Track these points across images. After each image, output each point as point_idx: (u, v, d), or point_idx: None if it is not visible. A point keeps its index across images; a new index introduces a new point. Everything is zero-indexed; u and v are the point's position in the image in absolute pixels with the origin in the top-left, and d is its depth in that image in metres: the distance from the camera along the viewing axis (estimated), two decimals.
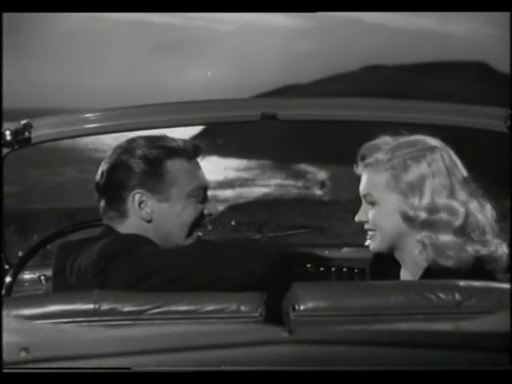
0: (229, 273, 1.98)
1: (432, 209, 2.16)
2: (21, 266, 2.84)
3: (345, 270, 2.99)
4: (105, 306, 1.83)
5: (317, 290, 1.84)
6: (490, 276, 2.18)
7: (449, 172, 2.19)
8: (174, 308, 1.84)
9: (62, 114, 2.70)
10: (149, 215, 2.15)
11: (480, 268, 2.18)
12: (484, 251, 2.17)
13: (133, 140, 2.21)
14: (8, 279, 2.79)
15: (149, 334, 1.56)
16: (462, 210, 2.16)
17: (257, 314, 1.82)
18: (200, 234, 2.22)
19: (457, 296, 1.78)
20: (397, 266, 2.30)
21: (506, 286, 1.86)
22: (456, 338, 1.52)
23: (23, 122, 2.57)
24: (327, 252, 3.03)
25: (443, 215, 2.15)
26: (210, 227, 2.33)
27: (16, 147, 2.57)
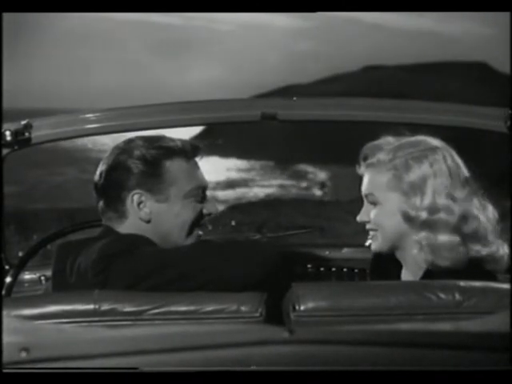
0: (229, 273, 1.98)
1: (432, 209, 2.16)
2: (21, 266, 2.84)
3: (345, 270, 2.99)
4: (105, 306, 1.83)
5: (317, 290, 1.84)
6: (491, 276, 2.18)
7: (451, 172, 2.19)
8: (174, 308, 1.83)
9: (62, 114, 2.70)
10: (148, 215, 2.15)
11: (481, 268, 2.18)
12: (485, 251, 2.17)
13: (131, 140, 2.20)
14: (8, 279, 2.79)
15: (149, 334, 1.56)
16: (458, 210, 2.15)
17: (257, 314, 1.82)
18: (200, 232, 2.22)
19: (457, 296, 1.79)
20: (397, 266, 2.30)
21: (506, 286, 1.87)
22: (456, 338, 1.52)
23: (23, 122, 2.57)
24: (327, 252, 3.03)
25: (442, 215, 2.15)
26: (210, 227, 2.33)
27: (16, 147, 2.57)
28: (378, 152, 2.25)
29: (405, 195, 2.19)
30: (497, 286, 1.91)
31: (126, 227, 2.16)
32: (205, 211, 2.22)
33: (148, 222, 2.16)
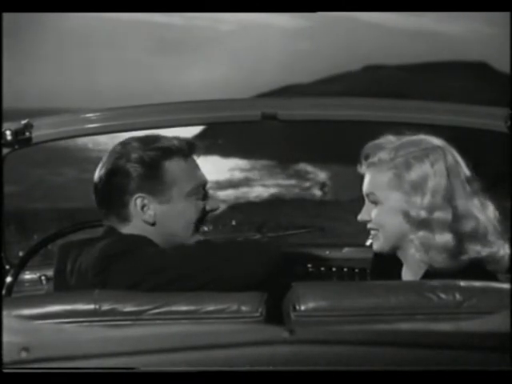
0: (229, 273, 1.98)
1: (432, 208, 2.16)
2: (21, 266, 2.84)
3: (345, 270, 2.99)
4: (105, 306, 1.83)
5: (317, 290, 1.84)
6: (492, 276, 2.18)
7: (452, 172, 2.19)
8: (174, 308, 1.83)
9: (62, 113, 2.70)
10: (152, 218, 2.15)
11: (481, 268, 2.18)
12: (485, 252, 2.17)
13: (127, 143, 2.18)
14: (9, 279, 2.79)
15: (149, 334, 1.55)
16: (457, 209, 2.15)
17: (257, 314, 1.82)
18: (206, 228, 2.22)
19: (457, 296, 1.78)
20: (398, 266, 2.30)
21: (506, 286, 1.87)
22: (456, 338, 1.52)
23: (23, 121, 2.57)
24: (328, 252, 3.03)
25: (440, 214, 2.15)
26: (210, 227, 2.33)
27: (16, 147, 2.57)
28: (379, 151, 2.25)
29: (406, 194, 2.19)
30: (497, 286, 1.91)
31: (129, 230, 2.16)
32: (207, 208, 2.22)
33: (153, 224, 2.15)
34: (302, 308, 1.77)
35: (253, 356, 1.48)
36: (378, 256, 2.34)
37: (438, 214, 2.15)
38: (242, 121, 2.80)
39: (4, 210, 2.60)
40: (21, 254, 2.93)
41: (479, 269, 2.17)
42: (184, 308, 1.83)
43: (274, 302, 1.86)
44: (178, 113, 2.71)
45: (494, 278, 2.18)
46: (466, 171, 2.23)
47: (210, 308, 1.83)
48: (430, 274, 2.18)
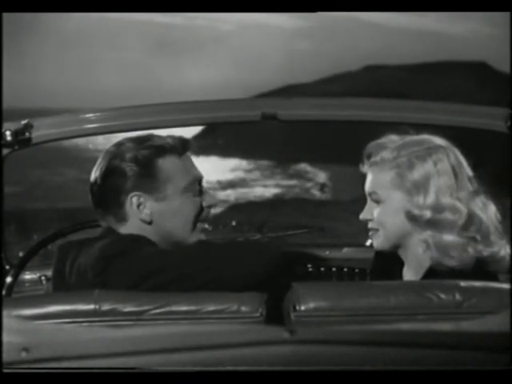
0: (229, 273, 1.98)
1: (436, 208, 2.16)
2: (21, 266, 2.84)
3: (345, 270, 2.99)
4: (105, 307, 1.83)
5: (317, 290, 1.84)
6: (492, 277, 2.18)
7: (454, 171, 2.19)
8: (174, 308, 1.83)
9: (62, 114, 2.70)
10: (149, 216, 2.15)
11: (482, 268, 2.18)
12: (487, 252, 2.17)
13: (120, 144, 2.20)
14: (9, 279, 2.79)
15: (149, 335, 1.56)
16: (464, 210, 2.16)
17: (257, 315, 1.82)
18: (206, 226, 2.22)
19: (457, 296, 1.78)
20: (398, 265, 2.30)
21: (506, 286, 1.87)
22: (456, 338, 1.53)
23: (23, 122, 2.57)
24: (328, 252, 3.03)
25: (448, 215, 2.15)
26: (210, 227, 2.32)
27: (16, 147, 2.57)
28: (381, 150, 2.25)
29: (408, 194, 2.19)
30: (497, 286, 1.91)
31: (126, 229, 2.16)
32: (204, 204, 2.21)
33: (149, 223, 2.15)
34: (302, 308, 1.77)
35: (253, 356, 1.48)
36: (379, 255, 2.34)
37: (447, 215, 2.15)
38: (241, 121, 2.80)
39: (4, 210, 2.60)
40: (21, 254, 2.93)
41: (480, 269, 2.17)
42: (184, 308, 1.83)
43: (274, 303, 1.86)
44: (178, 113, 2.71)
45: (495, 278, 2.18)
46: (468, 171, 2.23)
47: (210, 308, 1.83)
48: (432, 272, 2.18)
